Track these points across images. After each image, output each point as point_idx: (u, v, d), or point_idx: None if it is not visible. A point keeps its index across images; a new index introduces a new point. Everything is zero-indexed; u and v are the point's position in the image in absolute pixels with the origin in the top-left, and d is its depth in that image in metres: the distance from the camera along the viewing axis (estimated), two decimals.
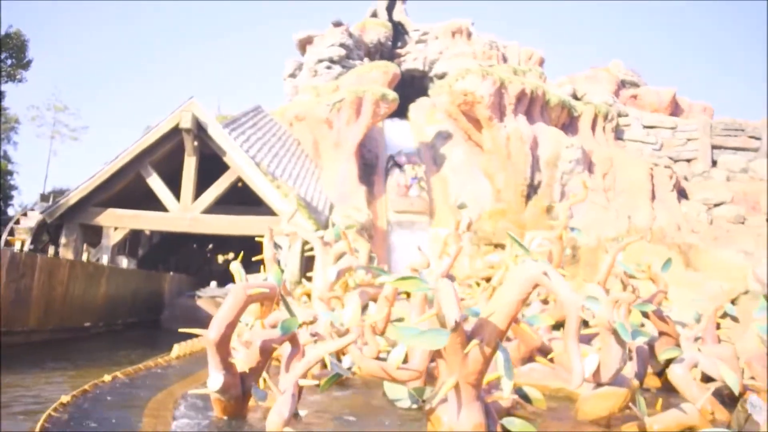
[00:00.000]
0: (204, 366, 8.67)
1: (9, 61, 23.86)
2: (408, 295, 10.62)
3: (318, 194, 19.89)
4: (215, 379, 4.97)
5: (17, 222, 16.91)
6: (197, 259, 22.60)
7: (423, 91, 30.64)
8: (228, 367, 5.12)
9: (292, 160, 20.60)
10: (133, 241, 19.39)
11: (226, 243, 23.20)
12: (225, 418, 5.33)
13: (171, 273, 17.42)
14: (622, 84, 27.87)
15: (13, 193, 29.41)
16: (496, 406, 5.65)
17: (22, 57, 24.00)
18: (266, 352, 5.51)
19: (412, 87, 30.35)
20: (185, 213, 16.83)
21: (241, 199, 18.59)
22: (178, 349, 9.22)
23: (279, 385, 6.07)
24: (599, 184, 18.53)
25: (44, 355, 9.28)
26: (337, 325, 7.34)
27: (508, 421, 5.15)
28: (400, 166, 22.39)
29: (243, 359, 5.40)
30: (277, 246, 16.13)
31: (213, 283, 16.60)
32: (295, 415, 4.39)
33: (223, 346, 5.04)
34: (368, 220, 19.24)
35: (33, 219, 16.55)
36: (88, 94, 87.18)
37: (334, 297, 8.41)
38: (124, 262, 15.74)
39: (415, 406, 5.79)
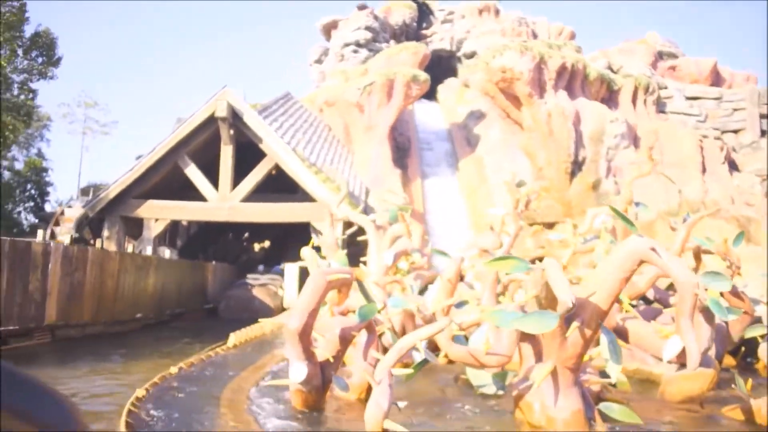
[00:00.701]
0: (262, 354, 8.56)
1: (40, 59, 24.01)
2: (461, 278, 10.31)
3: (353, 179, 19.65)
4: (299, 369, 4.75)
5: (61, 215, 17.03)
6: (234, 248, 22.64)
7: (451, 72, 30.07)
8: (310, 356, 4.91)
9: (324, 146, 20.38)
10: (171, 232, 19.44)
11: (261, 231, 23.18)
12: (305, 410, 5.13)
13: (213, 262, 17.43)
14: (660, 55, 26.91)
15: (49, 189, 29.87)
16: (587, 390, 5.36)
17: (51, 54, 24.14)
18: (345, 340, 5.29)
19: (439, 67, 29.79)
20: (224, 202, 16.75)
21: (277, 186, 18.46)
22: (234, 338, 9.10)
23: (354, 373, 5.87)
24: (646, 159, 17.87)
25: (105, 346, 9.26)
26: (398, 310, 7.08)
27: (606, 407, 4.85)
28: None
29: (323, 348, 5.18)
30: (317, 232, 15.99)
31: (260, 267, 16.64)
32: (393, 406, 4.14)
33: (306, 335, 4.82)
34: (405, 204, 18.95)
35: (75, 213, 16.65)
36: (111, 89, 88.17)
37: (394, 281, 8.14)
38: (166, 253, 15.75)
39: (501, 392, 5.53)
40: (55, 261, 9.20)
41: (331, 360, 5.02)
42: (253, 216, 17.03)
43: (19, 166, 29.69)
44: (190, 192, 17.54)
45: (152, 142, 17.03)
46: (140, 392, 5.39)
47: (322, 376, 5.13)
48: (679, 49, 28.16)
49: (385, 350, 6.15)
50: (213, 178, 17.17)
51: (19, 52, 22.53)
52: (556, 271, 3.85)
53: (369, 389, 5.69)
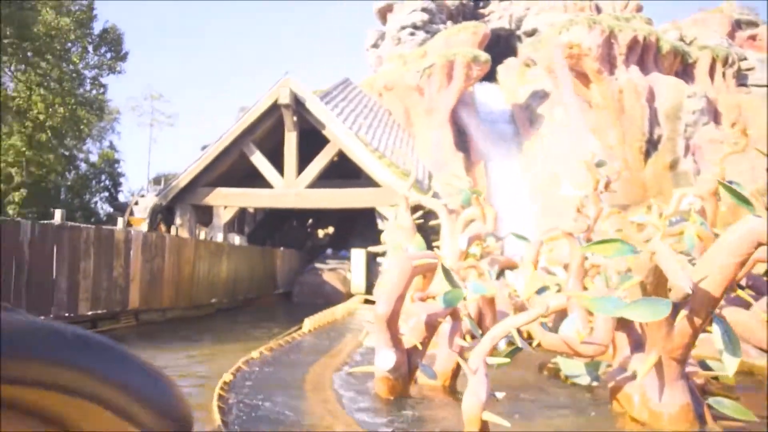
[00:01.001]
0: (337, 339, 8.59)
1: (108, 55, 24.86)
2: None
3: (415, 163, 19.46)
4: (387, 357, 4.66)
5: (135, 204, 17.72)
6: (299, 235, 22.99)
7: (510, 52, 29.17)
8: (397, 343, 4.81)
9: (386, 131, 20.25)
10: (239, 219, 19.91)
11: (325, 217, 23.42)
12: (390, 397, 5.04)
13: (281, 248, 17.74)
14: (738, 25, 25.13)
15: (121, 180, 31.22)
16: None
17: (119, 50, 24.94)
18: (432, 326, 5.17)
19: (497, 47, 28.95)
20: (290, 189, 16.95)
21: (340, 172, 18.51)
22: (308, 323, 9.20)
23: (437, 360, 5.75)
24: (728, 136, 16.78)
25: (187, 330, 9.55)
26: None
27: (716, 402, 4.51)
28: None
29: (408, 334, 5.07)
30: (382, 217, 15.94)
31: (328, 251, 16.85)
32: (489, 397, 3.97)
33: (393, 321, 4.72)
34: (471, 187, 18.60)
35: (148, 202, 17.28)
36: (171, 81, 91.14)
37: (470, 267, 7.93)
38: (236, 240, 16.13)
39: (595, 383, 5.28)
40: (136, 248, 9.53)
41: (419, 347, 4.90)
42: (319, 202, 17.15)
43: (93, 158, 31.15)
44: (255, 179, 17.84)
45: (214, 132, 17.42)
46: (227, 377, 5.48)
47: (408, 363, 5.03)
48: (759, 16, 26.21)
49: (462, 337, 5.99)
50: (277, 165, 17.40)
51: (90, 48, 23.38)
52: (669, 255, 3.56)
53: (453, 376, 5.57)
